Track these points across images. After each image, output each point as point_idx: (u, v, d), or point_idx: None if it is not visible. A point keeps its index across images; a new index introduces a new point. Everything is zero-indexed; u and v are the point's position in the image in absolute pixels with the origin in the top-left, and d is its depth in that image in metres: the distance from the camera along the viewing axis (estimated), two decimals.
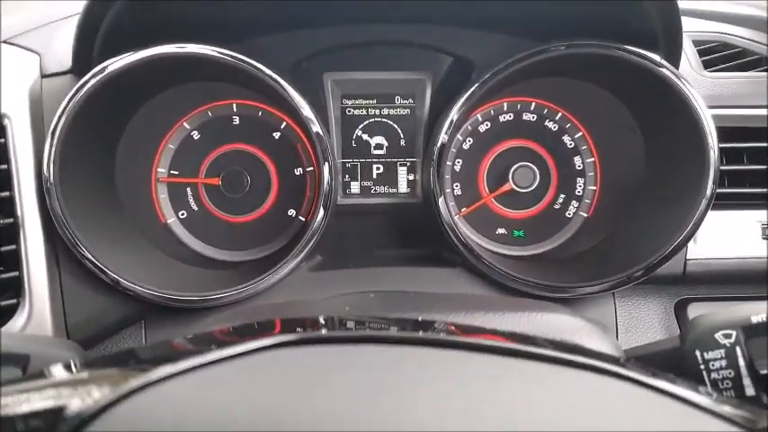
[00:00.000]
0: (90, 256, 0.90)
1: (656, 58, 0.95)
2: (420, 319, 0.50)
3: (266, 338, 0.36)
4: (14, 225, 0.85)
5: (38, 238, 0.87)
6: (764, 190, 1.03)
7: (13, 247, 0.85)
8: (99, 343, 0.96)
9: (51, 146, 0.86)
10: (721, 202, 0.99)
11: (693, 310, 1.03)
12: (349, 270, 1.06)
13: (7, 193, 0.85)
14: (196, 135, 1.12)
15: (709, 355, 0.50)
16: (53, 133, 0.86)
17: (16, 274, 0.85)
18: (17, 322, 0.83)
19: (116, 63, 0.88)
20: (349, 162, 1.18)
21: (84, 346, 0.93)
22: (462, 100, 1.00)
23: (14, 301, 0.84)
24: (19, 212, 0.85)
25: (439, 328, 0.44)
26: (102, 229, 0.95)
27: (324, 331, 0.42)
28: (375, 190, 1.19)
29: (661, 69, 0.94)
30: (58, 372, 0.43)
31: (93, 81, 0.87)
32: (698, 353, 0.51)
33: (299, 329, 0.41)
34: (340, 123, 1.17)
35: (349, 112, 1.17)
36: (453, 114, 1.02)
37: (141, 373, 0.35)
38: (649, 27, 0.93)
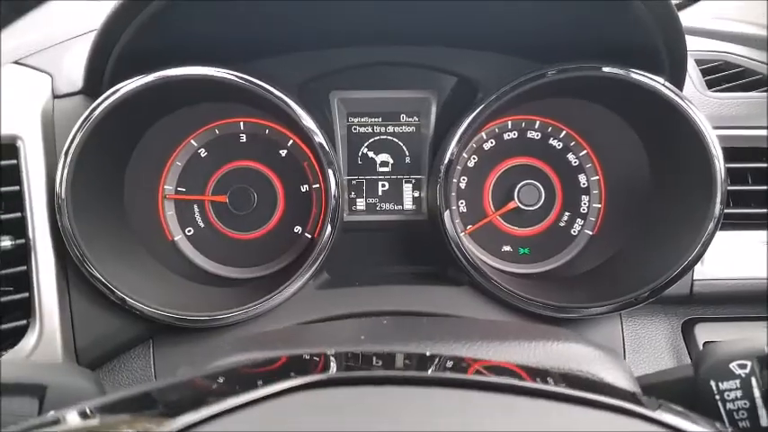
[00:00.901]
0: (99, 276, 0.90)
1: (661, 80, 0.96)
2: (441, 354, 0.50)
3: (293, 380, 0.37)
4: (26, 246, 0.85)
5: (49, 259, 0.87)
6: None
7: (24, 268, 0.85)
8: (107, 362, 0.96)
9: (64, 166, 0.87)
10: (726, 222, 1.00)
11: (701, 331, 1.04)
12: (356, 288, 1.06)
13: (19, 214, 0.85)
14: (203, 152, 1.13)
15: (725, 385, 0.51)
16: (66, 154, 0.86)
17: (26, 295, 0.85)
18: (28, 343, 0.84)
19: (129, 85, 0.89)
20: (355, 179, 1.19)
21: (93, 366, 0.94)
22: (468, 120, 1.01)
23: (25, 321, 0.85)
24: (30, 234, 0.86)
25: (462, 366, 0.44)
26: (111, 248, 0.95)
27: (342, 370, 0.43)
28: (381, 207, 1.19)
29: (666, 92, 0.95)
30: (73, 419, 0.43)
31: (106, 103, 0.88)
32: (713, 383, 0.52)
33: (323, 367, 0.41)
34: (346, 141, 1.18)
35: (355, 129, 1.18)
36: (459, 133, 1.03)
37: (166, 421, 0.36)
38: (654, 49, 0.94)
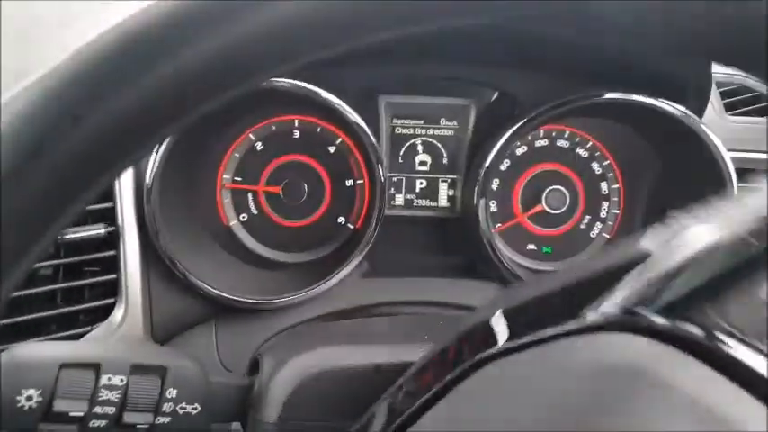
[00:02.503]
0: (177, 261, 1.02)
1: (682, 108, 1.05)
2: None
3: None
4: (116, 233, 0.96)
5: (134, 245, 0.98)
6: None
7: (113, 252, 0.96)
8: (174, 337, 1.08)
9: (155, 162, 0.97)
10: None
11: None
12: (395, 279, 1.18)
13: (110, 204, 0.96)
14: (259, 146, 1.23)
15: None
16: (157, 151, 0.97)
17: (114, 276, 0.96)
18: (115, 318, 0.96)
19: None
20: (395, 176, 1.29)
21: (163, 341, 1.06)
22: (510, 133, 1.11)
23: (112, 300, 0.96)
24: (120, 221, 0.97)
25: None
26: (185, 234, 1.06)
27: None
28: (417, 203, 1.30)
29: (686, 120, 1.05)
30: None
31: None
32: None
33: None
34: (389, 141, 1.28)
35: (398, 131, 1.28)
36: (501, 144, 1.13)
37: None
38: (681, 80, 1.03)
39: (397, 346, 0.70)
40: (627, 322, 0.33)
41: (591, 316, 0.36)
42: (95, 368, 0.62)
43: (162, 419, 0.65)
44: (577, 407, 0.33)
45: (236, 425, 0.75)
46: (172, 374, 0.66)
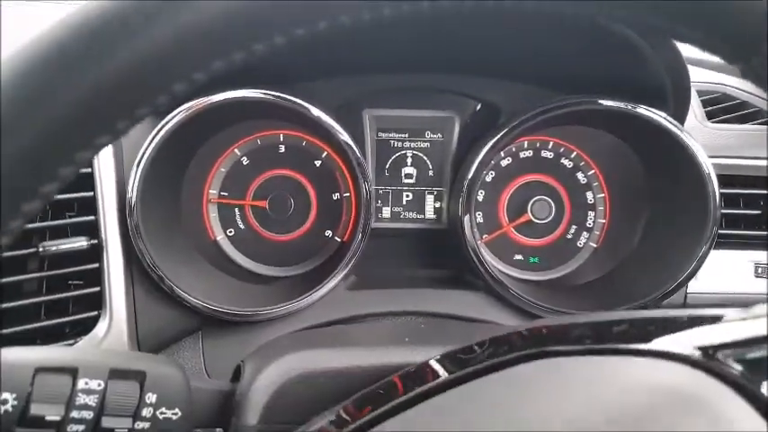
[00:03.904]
0: (160, 273, 1.01)
1: (664, 114, 1.07)
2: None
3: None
4: (98, 246, 0.96)
5: (117, 257, 0.98)
6: (758, 232, 1.16)
7: (96, 265, 0.96)
8: (162, 350, 1.07)
9: (136, 175, 0.97)
10: (719, 242, 1.11)
11: None
12: (382, 290, 1.17)
13: (93, 217, 0.96)
14: (245, 161, 1.24)
15: None
16: (138, 165, 0.97)
17: (98, 289, 0.96)
18: (99, 331, 0.95)
19: (192, 106, 0.99)
20: (382, 189, 1.30)
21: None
22: (492, 143, 1.12)
23: (96, 312, 0.96)
24: (102, 234, 0.96)
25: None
26: (169, 248, 1.06)
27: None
28: (404, 215, 1.30)
29: (668, 126, 1.06)
30: None
31: (173, 121, 0.98)
32: None
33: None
34: (375, 154, 1.29)
35: (383, 144, 1.29)
36: (483, 154, 1.13)
37: None
38: (661, 87, 1.05)
39: (379, 348, 0.69)
40: (700, 360, 0.39)
41: (668, 346, 0.42)
42: (72, 372, 0.61)
43: (141, 424, 0.64)
44: (631, 416, 0.37)
45: (219, 431, 0.74)
46: (151, 379, 0.66)
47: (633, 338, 0.47)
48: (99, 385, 0.61)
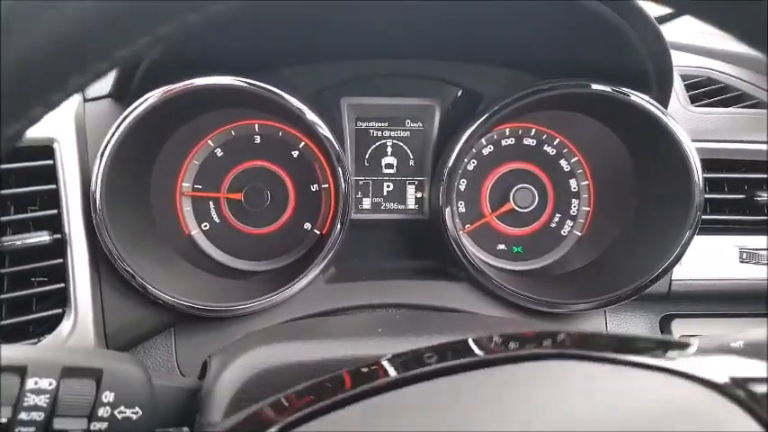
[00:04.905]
0: (128, 268, 0.97)
1: (647, 98, 1.04)
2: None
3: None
4: (62, 241, 0.92)
5: (82, 252, 0.94)
6: (742, 217, 1.14)
7: (60, 260, 0.92)
8: (133, 348, 1.03)
9: (99, 167, 0.93)
10: (703, 227, 1.09)
11: (677, 326, 1.14)
12: (362, 282, 1.14)
13: (56, 211, 0.92)
14: (219, 152, 1.20)
15: None
16: (101, 156, 0.93)
17: (62, 285, 0.92)
18: (63, 329, 0.91)
19: (157, 94, 0.95)
20: (362, 180, 1.26)
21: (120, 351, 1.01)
22: (471, 130, 1.09)
23: (60, 310, 0.92)
24: (66, 229, 0.92)
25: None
26: (138, 242, 1.02)
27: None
28: (385, 206, 1.27)
29: (651, 108, 1.04)
30: None
31: (138, 109, 0.94)
32: None
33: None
34: (354, 144, 1.25)
35: (362, 133, 1.25)
36: (462, 141, 1.10)
37: None
38: (643, 69, 1.03)
39: (350, 340, 0.66)
40: (727, 388, 0.40)
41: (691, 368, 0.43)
42: (20, 372, 0.57)
43: (98, 425, 0.60)
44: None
45: (185, 430, 0.70)
46: (108, 377, 0.62)
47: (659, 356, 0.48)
48: (50, 384, 0.58)
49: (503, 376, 0.46)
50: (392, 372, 0.48)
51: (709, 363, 0.46)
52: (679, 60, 1.25)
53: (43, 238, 0.89)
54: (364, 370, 0.51)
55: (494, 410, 0.42)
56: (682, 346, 0.53)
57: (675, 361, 0.46)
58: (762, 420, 0.36)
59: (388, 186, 1.27)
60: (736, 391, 0.39)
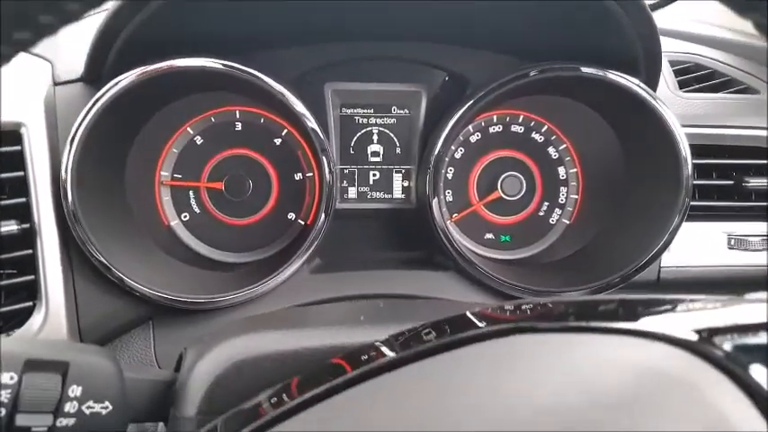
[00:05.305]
0: (102, 259, 0.93)
1: (636, 81, 1.02)
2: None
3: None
4: (31, 230, 0.88)
5: (53, 243, 0.90)
6: (731, 203, 1.13)
7: (30, 251, 0.88)
8: (109, 342, 0.99)
9: (69, 153, 0.89)
10: (692, 214, 1.08)
11: None
12: (347, 273, 1.11)
13: (24, 199, 0.88)
14: (199, 140, 1.16)
15: None
16: (72, 141, 0.89)
17: (32, 277, 0.88)
18: (34, 323, 0.87)
19: (132, 76, 0.91)
20: (347, 168, 1.23)
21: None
22: (457, 116, 1.06)
23: (30, 303, 0.88)
24: (35, 218, 0.88)
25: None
26: (113, 232, 0.98)
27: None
28: (371, 195, 1.24)
29: (640, 92, 1.02)
30: None
31: (110, 92, 0.90)
32: None
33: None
34: (339, 131, 1.22)
35: (347, 120, 1.22)
36: (449, 128, 1.08)
37: None
38: (632, 52, 1.01)
39: (330, 329, 0.63)
40: (696, 345, 0.39)
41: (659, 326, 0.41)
42: None
43: (65, 421, 0.57)
44: (615, 396, 0.37)
45: (160, 425, 0.67)
46: (75, 370, 0.59)
47: (623, 318, 0.47)
48: (11, 379, 0.55)
49: (463, 357, 0.45)
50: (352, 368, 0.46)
51: (674, 319, 0.45)
52: (668, 46, 1.23)
53: (11, 227, 0.85)
54: (322, 368, 0.49)
55: (455, 395, 0.41)
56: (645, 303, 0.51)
57: (639, 321, 0.44)
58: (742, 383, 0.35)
59: (375, 175, 1.24)
60: (707, 348, 0.38)
